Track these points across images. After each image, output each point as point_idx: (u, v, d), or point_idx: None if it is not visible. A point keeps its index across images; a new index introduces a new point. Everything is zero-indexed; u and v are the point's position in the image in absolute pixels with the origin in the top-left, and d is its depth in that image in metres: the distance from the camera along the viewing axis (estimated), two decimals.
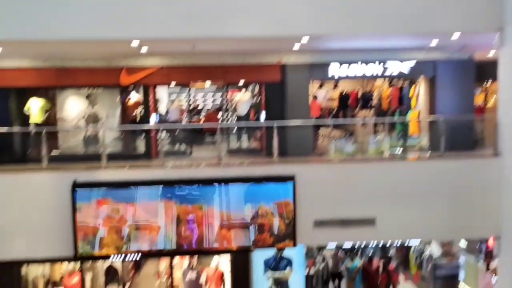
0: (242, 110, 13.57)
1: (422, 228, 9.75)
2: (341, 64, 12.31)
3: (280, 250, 10.99)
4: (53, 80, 11.84)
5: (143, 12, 8.43)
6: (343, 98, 15.98)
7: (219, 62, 11.97)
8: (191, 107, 17.47)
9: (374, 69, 12.45)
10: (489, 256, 12.33)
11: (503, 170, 9.17)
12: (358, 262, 12.43)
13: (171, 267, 11.61)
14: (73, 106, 12.59)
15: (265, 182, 9.28)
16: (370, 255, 12.41)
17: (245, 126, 13.40)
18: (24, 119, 12.03)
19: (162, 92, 14.68)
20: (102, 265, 12.84)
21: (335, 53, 12.10)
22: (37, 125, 11.68)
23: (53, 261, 11.35)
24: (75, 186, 8.91)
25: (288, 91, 12.12)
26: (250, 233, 9.25)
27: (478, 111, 13.95)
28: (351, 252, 12.67)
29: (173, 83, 14.04)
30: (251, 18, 8.68)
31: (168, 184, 9.14)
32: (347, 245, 12.83)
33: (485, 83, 16.57)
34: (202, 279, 11.86)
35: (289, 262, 11.32)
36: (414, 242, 12.64)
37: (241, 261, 11.31)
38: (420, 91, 13.34)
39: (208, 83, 15.73)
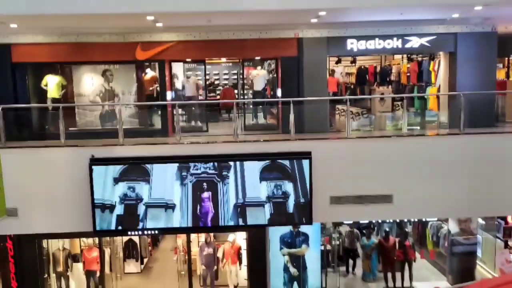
0: (258, 86, 13.44)
1: (440, 206, 9.68)
2: (359, 38, 12.04)
3: (296, 226, 11.02)
4: (69, 55, 11.84)
5: None
6: (361, 73, 15.73)
7: (235, 37, 11.83)
8: (207, 83, 17.39)
9: (393, 43, 12.16)
10: (507, 233, 12.24)
11: None
12: (374, 239, 12.43)
13: (188, 242, 11.75)
14: (89, 83, 12.62)
15: (281, 159, 9.24)
16: (386, 231, 12.38)
17: (261, 102, 13.30)
18: (42, 96, 12.11)
19: (177, 68, 14.58)
20: (121, 240, 13.10)
21: (353, 27, 11.83)
22: (54, 100, 11.74)
23: (72, 236, 11.59)
24: (93, 162, 8.99)
25: (305, 66, 11.93)
26: (265, 210, 9.26)
27: (499, 86, 13.60)
28: (367, 229, 12.67)
29: (188, 59, 13.94)
30: None
31: (184, 161, 9.16)
32: (363, 222, 12.86)
33: (507, 57, 16.13)
34: (219, 254, 12.02)
35: (305, 238, 11.37)
36: (431, 219, 12.58)
37: (257, 237, 11.39)
38: (440, 66, 13.04)
39: (224, 58, 15.60)
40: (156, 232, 10.08)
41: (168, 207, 9.16)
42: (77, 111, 12.58)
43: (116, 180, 9.09)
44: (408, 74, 14.46)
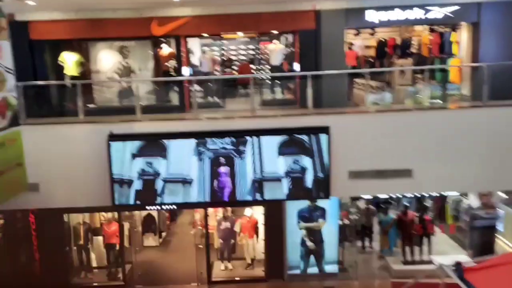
0: (276, 60, 13.26)
1: (460, 180, 9.54)
2: (378, 9, 11.73)
3: (314, 201, 11.01)
4: (85, 32, 11.82)
5: None
6: (380, 46, 15.38)
7: (251, 11, 11.63)
8: (224, 59, 17.23)
9: (413, 14, 11.81)
10: None
11: None
12: (392, 215, 12.37)
13: (206, 217, 11.87)
14: (106, 59, 12.62)
15: (299, 134, 9.16)
16: (406, 205, 12.30)
17: (278, 77, 13.16)
18: (60, 73, 12.17)
19: (194, 44, 14.47)
20: (139, 215, 13.30)
21: None
22: (72, 78, 11.81)
23: (92, 210, 11.80)
24: (111, 138, 9.06)
25: (323, 40, 11.70)
26: (283, 185, 9.25)
27: None
28: (386, 203, 12.61)
29: (205, 34, 13.80)
30: None
31: (202, 136, 9.16)
32: (381, 197, 12.78)
33: None
34: (236, 228, 12.12)
35: (323, 213, 11.39)
36: (451, 194, 12.44)
37: (274, 211, 11.43)
38: (462, 37, 12.67)
39: (240, 33, 15.41)
40: (174, 207, 10.16)
41: (186, 182, 9.22)
42: (95, 88, 12.65)
43: (134, 156, 9.16)
44: (430, 46, 14.06)
